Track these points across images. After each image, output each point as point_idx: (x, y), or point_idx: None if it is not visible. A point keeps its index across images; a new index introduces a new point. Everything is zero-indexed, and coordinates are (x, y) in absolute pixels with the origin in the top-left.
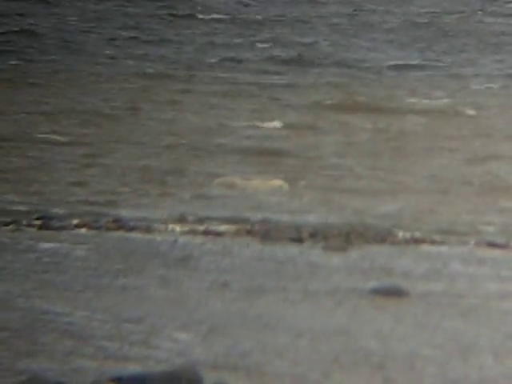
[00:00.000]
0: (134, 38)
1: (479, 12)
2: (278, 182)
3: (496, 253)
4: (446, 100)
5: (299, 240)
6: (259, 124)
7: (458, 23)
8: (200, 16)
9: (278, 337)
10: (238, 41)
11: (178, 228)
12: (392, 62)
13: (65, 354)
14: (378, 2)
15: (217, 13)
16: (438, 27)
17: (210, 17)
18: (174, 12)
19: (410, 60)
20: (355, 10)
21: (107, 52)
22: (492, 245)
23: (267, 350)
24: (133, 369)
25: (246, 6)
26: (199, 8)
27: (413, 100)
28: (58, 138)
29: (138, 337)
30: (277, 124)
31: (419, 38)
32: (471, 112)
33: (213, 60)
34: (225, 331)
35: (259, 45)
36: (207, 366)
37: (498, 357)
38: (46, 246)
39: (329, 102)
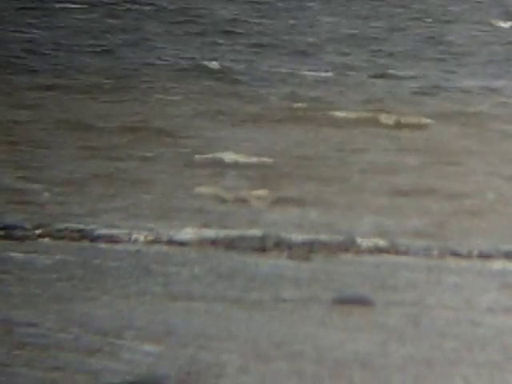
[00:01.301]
0: None
1: None
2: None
3: (460, 262)
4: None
5: (263, 249)
6: None
7: None
8: None
9: (240, 348)
10: None
11: (141, 238)
12: None
13: (26, 366)
14: None
15: None
16: None
17: None
18: None
19: None
20: None
21: None
22: (455, 254)
23: (230, 363)
24: (97, 381)
25: None
26: None
27: None
28: None
29: (103, 348)
30: None
31: None
32: None
33: None
34: (189, 343)
35: None
36: (172, 378)
37: (462, 366)
38: (9, 255)
39: None
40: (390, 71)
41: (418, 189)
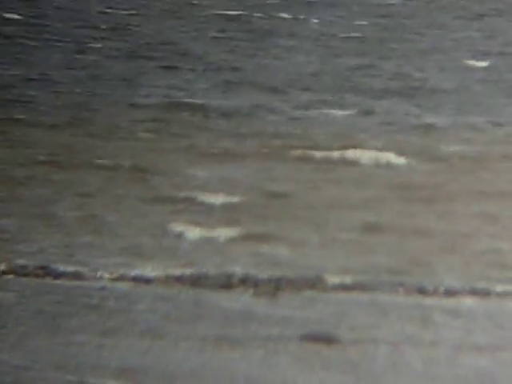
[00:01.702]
0: None
1: None
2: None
3: (426, 300)
4: None
5: (229, 286)
6: None
7: None
8: None
9: None
10: None
11: (106, 275)
12: None
13: None
14: None
15: None
16: None
17: None
18: None
19: None
20: None
21: None
22: (422, 292)
23: None
24: None
25: None
26: None
27: None
28: None
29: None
30: None
31: None
32: None
33: None
34: (153, 381)
35: None
36: None
37: None
38: None
39: None
40: (362, 107)
41: (387, 225)
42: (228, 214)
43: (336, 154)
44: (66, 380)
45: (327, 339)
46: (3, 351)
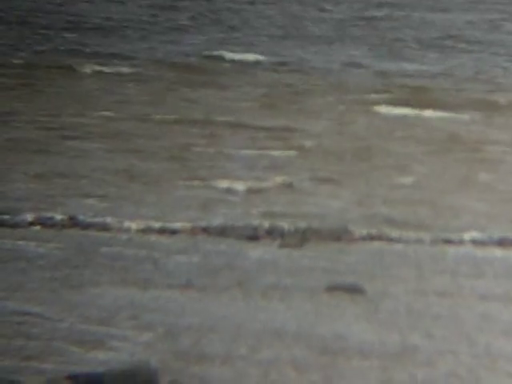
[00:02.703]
0: None
1: None
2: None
3: (451, 250)
4: None
5: (255, 238)
6: None
7: None
8: None
9: (239, 337)
10: None
11: (133, 225)
12: None
13: (19, 353)
14: None
15: None
16: None
17: None
18: None
19: None
20: None
21: None
22: (447, 241)
23: (228, 352)
24: (89, 368)
25: None
26: None
27: None
28: None
29: (95, 337)
30: None
31: None
32: None
33: None
34: (181, 332)
35: None
36: (164, 366)
37: (452, 356)
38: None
39: None
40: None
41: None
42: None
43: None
44: (92, 331)
45: (354, 290)
46: (35, 304)
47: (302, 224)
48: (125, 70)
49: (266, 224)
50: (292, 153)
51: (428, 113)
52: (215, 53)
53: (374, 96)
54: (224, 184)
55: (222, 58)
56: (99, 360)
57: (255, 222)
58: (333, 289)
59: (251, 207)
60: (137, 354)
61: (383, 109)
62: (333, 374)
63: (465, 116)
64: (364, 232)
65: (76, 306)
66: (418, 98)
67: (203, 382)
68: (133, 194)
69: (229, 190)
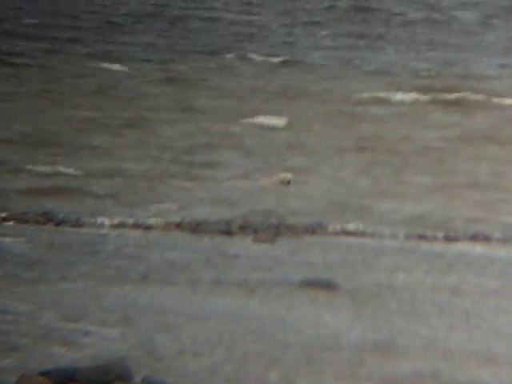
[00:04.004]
0: None
1: None
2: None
3: (425, 245)
4: None
5: (229, 233)
6: None
7: None
8: None
9: (209, 330)
10: None
11: (107, 221)
12: None
13: None
14: None
15: None
16: None
17: None
18: None
19: None
20: None
21: None
22: (422, 237)
23: (202, 347)
24: (60, 363)
25: None
26: None
27: None
28: None
29: (68, 333)
30: None
31: None
32: None
33: None
34: (153, 326)
35: None
36: (136, 360)
37: (426, 350)
38: None
39: None
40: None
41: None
42: None
43: None
44: (70, 329)
45: (327, 285)
46: (7, 299)
47: (275, 219)
48: None
49: (240, 219)
50: None
51: None
52: None
53: None
54: None
55: None
56: (71, 356)
57: (229, 218)
58: (306, 283)
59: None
60: (109, 349)
61: None
62: (305, 367)
63: None
64: (338, 227)
65: (48, 303)
66: None
67: (178, 377)
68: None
69: None
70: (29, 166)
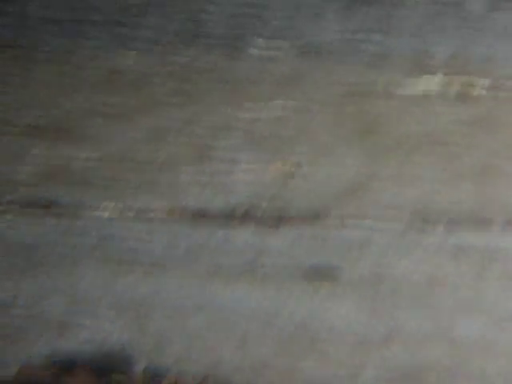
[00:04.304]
0: None
1: None
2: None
3: (426, 237)
4: None
5: (231, 219)
6: None
7: None
8: None
9: (213, 319)
10: None
11: (111, 205)
12: None
13: None
14: None
15: None
16: None
17: None
18: None
19: None
20: None
21: None
22: (421, 230)
23: (203, 334)
24: (61, 353)
25: None
26: None
27: None
28: None
29: (66, 322)
30: None
31: None
32: None
33: None
34: (157, 316)
35: None
36: (138, 349)
37: (428, 340)
38: None
39: None
40: None
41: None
42: None
43: None
44: (71, 319)
45: (330, 273)
46: (9, 290)
47: (278, 207)
48: None
49: (242, 207)
50: None
51: None
52: None
53: None
54: None
55: None
56: (73, 346)
57: (230, 205)
58: (309, 272)
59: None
60: (111, 339)
61: None
62: (309, 355)
63: None
64: (341, 214)
65: (50, 292)
66: None
67: (179, 363)
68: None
69: None
70: (35, 151)
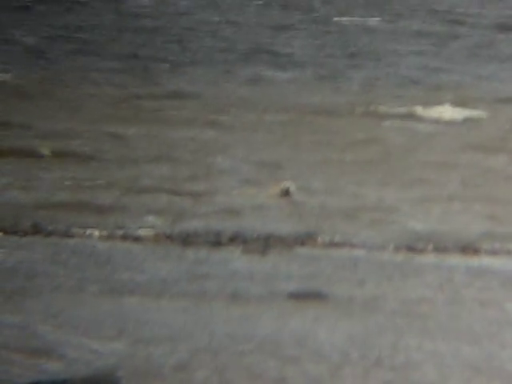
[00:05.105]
0: None
1: None
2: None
3: (416, 257)
4: None
5: (218, 244)
6: None
7: None
8: None
9: (199, 343)
10: None
11: (96, 232)
12: None
13: None
14: None
15: None
16: None
17: None
18: None
19: None
20: None
21: None
22: (411, 249)
23: (189, 361)
24: (50, 376)
25: None
26: None
27: None
28: None
29: (54, 344)
30: None
31: None
32: None
33: None
34: (143, 341)
35: None
36: (127, 373)
37: (418, 362)
38: None
39: None
40: None
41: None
42: None
43: None
44: (60, 341)
45: (317, 296)
46: (3, 312)
47: (266, 230)
48: None
49: (229, 230)
50: None
51: None
52: None
53: None
54: None
55: None
56: (61, 368)
57: (218, 228)
58: (297, 295)
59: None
60: (100, 362)
61: None
62: (293, 380)
63: None
64: (327, 238)
65: (38, 315)
66: None
67: None
68: None
69: None
70: None
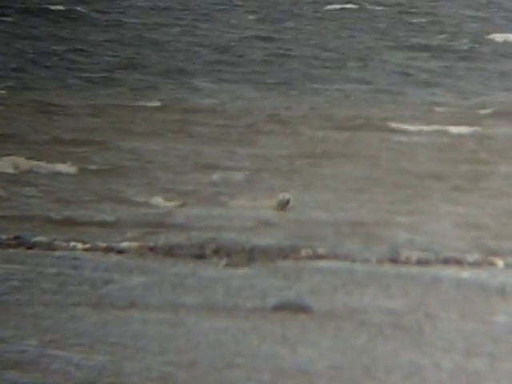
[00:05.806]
0: None
1: None
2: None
3: (398, 268)
4: None
5: (202, 256)
6: None
7: None
8: None
9: (181, 355)
10: None
11: (79, 245)
12: None
13: None
14: None
15: None
16: None
17: None
18: None
19: None
20: None
21: None
22: (394, 261)
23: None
24: None
25: None
26: None
27: None
28: None
29: (34, 356)
30: None
31: None
32: None
33: None
34: (129, 352)
35: None
36: None
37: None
38: None
39: None
40: None
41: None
42: None
43: None
44: (40, 353)
45: (300, 308)
46: None
47: (249, 243)
48: None
49: (213, 243)
50: None
51: None
52: None
53: None
54: None
55: None
56: (41, 381)
57: (202, 241)
58: (279, 308)
59: None
60: (79, 375)
61: None
62: None
63: None
64: (310, 251)
65: (17, 327)
66: None
67: None
68: None
69: None
70: None
